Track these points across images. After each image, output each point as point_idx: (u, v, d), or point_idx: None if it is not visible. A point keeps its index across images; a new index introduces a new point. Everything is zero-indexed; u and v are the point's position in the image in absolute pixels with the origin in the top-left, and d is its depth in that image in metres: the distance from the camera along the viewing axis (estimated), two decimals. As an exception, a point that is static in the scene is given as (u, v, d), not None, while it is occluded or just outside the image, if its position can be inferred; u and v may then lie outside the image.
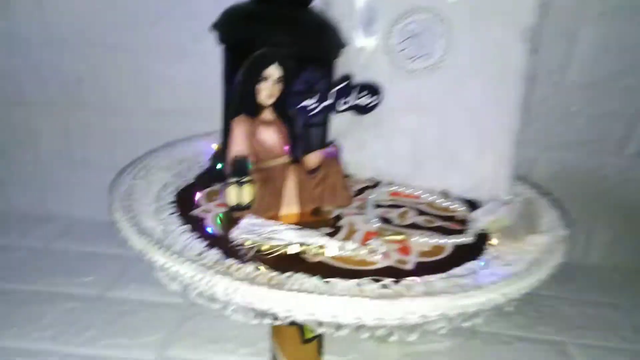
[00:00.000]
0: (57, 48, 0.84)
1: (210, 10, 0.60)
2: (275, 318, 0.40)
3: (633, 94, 0.85)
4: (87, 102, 0.89)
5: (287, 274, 0.43)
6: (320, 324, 0.39)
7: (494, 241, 0.54)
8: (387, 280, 0.44)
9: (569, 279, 0.96)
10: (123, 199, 0.53)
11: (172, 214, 0.54)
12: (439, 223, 0.59)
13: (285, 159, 0.54)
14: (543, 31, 0.76)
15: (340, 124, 0.67)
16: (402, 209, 0.62)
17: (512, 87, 0.61)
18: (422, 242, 0.53)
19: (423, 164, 0.67)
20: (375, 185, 0.68)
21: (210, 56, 0.61)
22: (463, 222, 0.59)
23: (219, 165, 0.61)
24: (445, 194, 0.66)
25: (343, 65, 0.65)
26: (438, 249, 0.53)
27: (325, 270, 0.46)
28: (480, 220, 0.56)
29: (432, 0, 0.62)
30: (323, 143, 0.57)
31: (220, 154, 0.60)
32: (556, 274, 0.92)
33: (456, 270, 0.47)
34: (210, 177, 0.63)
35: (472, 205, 0.63)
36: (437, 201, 0.65)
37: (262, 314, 0.40)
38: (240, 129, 0.50)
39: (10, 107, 0.90)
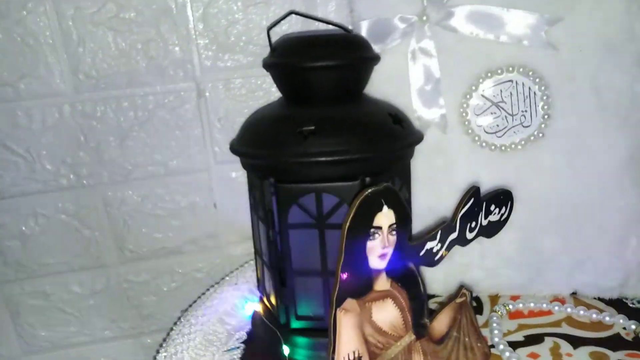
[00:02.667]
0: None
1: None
2: None
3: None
4: (37, 266, 0.64)
5: None
6: None
7: None
8: None
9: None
10: None
11: None
12: (615, 357, 0.41)
13: (409, 338, 0.34)
14: None
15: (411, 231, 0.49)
16: (546, 343, 0.43)
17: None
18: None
19: (541, 267, 0.49)
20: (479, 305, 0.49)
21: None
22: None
23: (285, 350, 0.40)
24: (578, 300, 0.49)
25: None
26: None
27: None
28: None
29: (517, 53, 0.45)
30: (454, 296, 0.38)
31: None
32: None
33: None
34: None
35: (622, 307, 0.46)
36: (580, 314, 0.47)
37: None
38: (349, 320, 0.30)
39: None
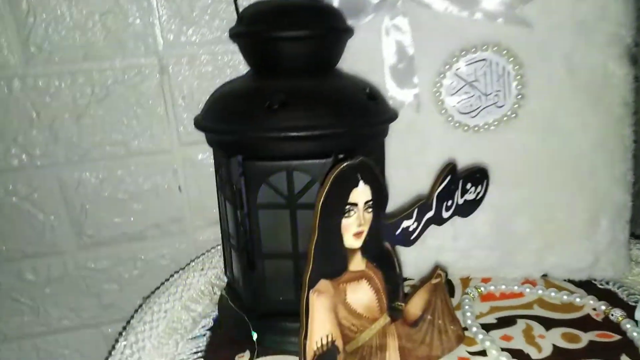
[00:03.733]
0: None
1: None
2: None
3: None
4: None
5: None
6: None
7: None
8: None
9: None
10: None
11: None
12: (586, 338, 0.41)
13: (383, 320, 0.33)
14: None
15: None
16: (519, 325, 0.43)
17: (621, 127, 0.45)
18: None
19: (512, 249, 0.49)
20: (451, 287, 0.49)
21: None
22: (617, 328, 0.42)
23: (254, 336, 0.38)
24: (549, 282, 0.49)
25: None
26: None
27: None
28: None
29: (491, 30, 0.44)
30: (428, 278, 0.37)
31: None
32: None
33: None
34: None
35: (590, 288, 0.47)
36: (552, 296, 0.47)
37: None
38: (322, 302, 0.29)
39: None
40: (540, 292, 0.47)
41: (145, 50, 0.53)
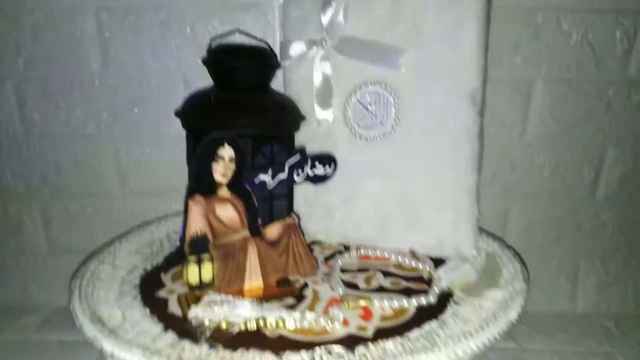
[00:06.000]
0: (37, 140, 0.88)
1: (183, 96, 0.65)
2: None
3: (594, 142, 0.88)
4: (66, 189, 0.91)
5: (240, 352, 0.43)
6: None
7: (455, 299, 0.53)
8: (342, 351, 0.43)
9: (558, 329, 0.94)
10: (85, 285, 0.53)
11: (135, 297, 0.54)
12: (405, 284, 0.59)
13: (244, 233, 0.55)
14: (499, 90, 0.80)
15: (307, 193, 0.69)
16: (368, 273, 0.62)
17: (465, 146, 0.63)
18: (385, 307, 0.53)
19: (388, 226, 0.68)
20: (344, 250, 0.68)
21: (183, 139, 0.65)
22: (429, 281, 0.60)
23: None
24: (414, 254, 0.67)
25: (306, 137, 0.68)
26: (401, 311, 0.52)
27: (283, 344, 0.46)
28: (444, 278, 0.57)
29: (381, 72, 0.65)
30: (284, 214, 0.59)
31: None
32: (546, 325, 0.90)
33: (415, 333, 0.47)
34: (179, 258, 0.63)
35: (439, 263, 0.63)
36: (405, 262, 0.65)
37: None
38: (196, 207, 0.52)
39: (-9, 200, 0.92)
40: (399, 259, 0.66)
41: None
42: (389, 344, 0.44)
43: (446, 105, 0.63)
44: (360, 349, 0.44)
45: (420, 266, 0.63)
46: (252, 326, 0.48)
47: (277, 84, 0.71)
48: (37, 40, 0.81)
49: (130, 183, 0.90)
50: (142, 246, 0.68)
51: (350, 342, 0.46)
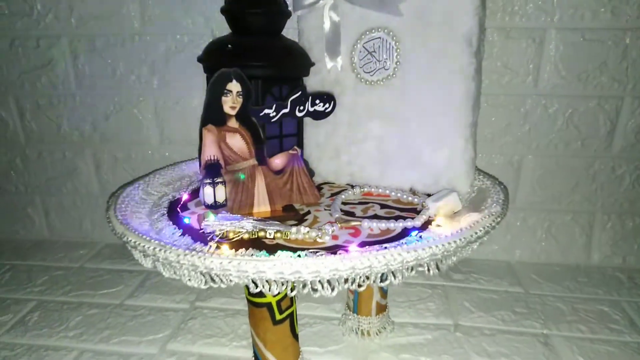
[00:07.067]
0: (88, 93, 1.00)
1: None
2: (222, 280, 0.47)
3: (610, 91, 0.88)
4: (114, 136, 1.02)
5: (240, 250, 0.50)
6: (265, 283, 0.47)
7: (437, 222, 0.59)
8: (324, 252, 0.50)
9: (569, 278, 0.96)
10: (120, 202, 0.63)
11: (162, 215, 0.63)
12: (397, 214, 0.65)
13: (252, 162, 0.63)
14: (511, 39, 0.82)
15: (317, 137, 0.76)
16: (367, 205, 0.68)
17: (461, 86, 0.67)
18: (372, 227, 0.59)
19: (389, 165, 0.73)
20: (351, 189, 0.75)
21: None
22: (420, 212, 0.65)
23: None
24: (413, 191, 0.72)
25: (317, 85, 0.74)
26: (387, 231, 0.59)
27: (278, 247, 0.53)
28: (431, 206, 0.62)
29: (383, 19, 0.70)
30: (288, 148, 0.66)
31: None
32: (556, 275, 0.93)
33: (394, 244, 0.53)
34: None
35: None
36: (403, 197, 0.71)
37: (210, 278, 0.48)
38: (210, 135, 0.60)
39: (51, 146, 1.05)
40: (399, 195, 0.71)
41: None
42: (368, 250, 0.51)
43: (444, 47, 0.67)
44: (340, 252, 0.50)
45: (416, 200, 0.69)
46: (253, 235, 0.55)
47: (294, 34, 0.77)
48: (86, 1, 0.92)
49: (166, 132, 1.00)
50: (173, 179, 0.77)
51: (335, 249, 0.52)
